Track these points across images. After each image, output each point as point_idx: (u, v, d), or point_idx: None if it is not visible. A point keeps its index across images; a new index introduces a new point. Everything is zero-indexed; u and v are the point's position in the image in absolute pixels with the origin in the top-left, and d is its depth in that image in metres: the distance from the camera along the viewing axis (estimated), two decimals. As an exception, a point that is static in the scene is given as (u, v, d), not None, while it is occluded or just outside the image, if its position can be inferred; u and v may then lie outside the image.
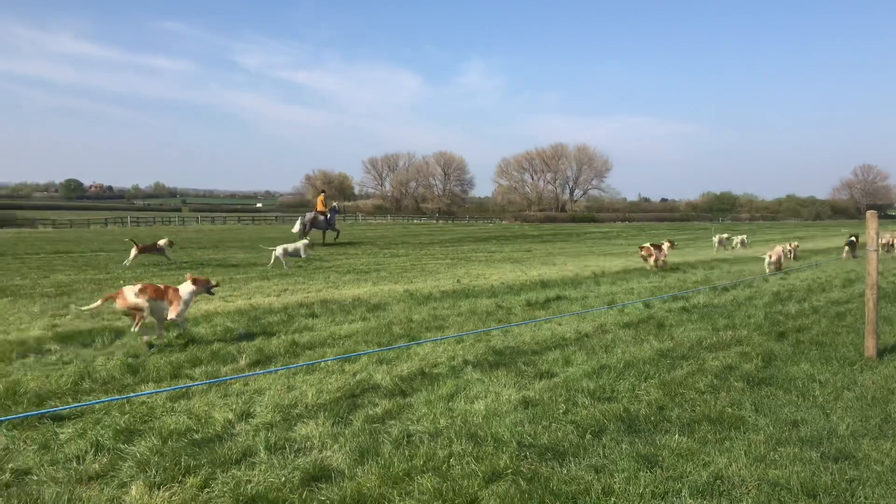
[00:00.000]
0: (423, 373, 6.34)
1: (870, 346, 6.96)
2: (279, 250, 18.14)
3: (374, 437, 4.58)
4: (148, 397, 5.44)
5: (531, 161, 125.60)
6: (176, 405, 5.29)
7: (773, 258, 16.25)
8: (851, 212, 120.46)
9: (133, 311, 7.59)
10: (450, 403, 5.40)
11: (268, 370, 6.39)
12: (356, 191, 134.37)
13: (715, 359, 6.87)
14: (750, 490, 3.77)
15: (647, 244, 18.01)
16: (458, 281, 14.46)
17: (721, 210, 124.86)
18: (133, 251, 18.06)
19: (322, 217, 28.11)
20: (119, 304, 7.53)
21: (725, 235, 27.68)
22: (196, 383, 5.88)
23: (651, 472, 4.01)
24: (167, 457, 4.19)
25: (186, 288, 7.74)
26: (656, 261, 17.27)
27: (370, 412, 5.13)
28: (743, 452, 4.27)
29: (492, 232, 52.97)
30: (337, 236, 30.85)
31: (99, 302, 7.59)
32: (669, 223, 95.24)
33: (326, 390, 5.69)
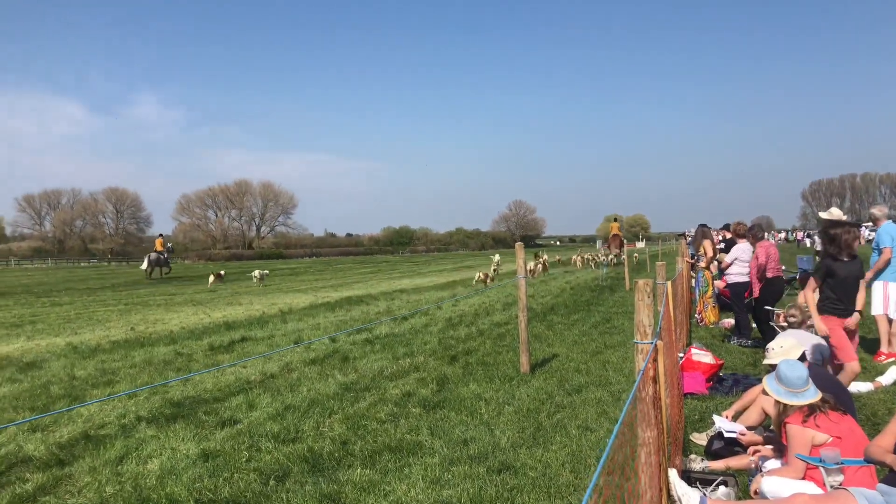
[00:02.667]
0: (88, 436, 5.74)
1: (524, 363, 7.88)
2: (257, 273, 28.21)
3: (19, 521, 3.94)
4: None
5: (214, 197, 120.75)
6: None
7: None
8: (509, 242, 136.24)
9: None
10: (119, 467, 4.94)
11: None
12: (8, 232, 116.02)
13: (395, 387, 7.20)
14: (426, 513, 3.97)
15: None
16: (133, 328, 13.23)
17: (401, 243, 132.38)
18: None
19: (163, 256, 34.76)
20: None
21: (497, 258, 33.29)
22: None
23: (334, 510, 4.01)
24: None
25: None
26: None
27: (18, 490, 4.51)
28: (420, 477, 4.50)
29: (171, 273, 49.54)
30: (169, 272, 38.53)
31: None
32: (354, 256, 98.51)
33: (-43, 474, 4.78)
